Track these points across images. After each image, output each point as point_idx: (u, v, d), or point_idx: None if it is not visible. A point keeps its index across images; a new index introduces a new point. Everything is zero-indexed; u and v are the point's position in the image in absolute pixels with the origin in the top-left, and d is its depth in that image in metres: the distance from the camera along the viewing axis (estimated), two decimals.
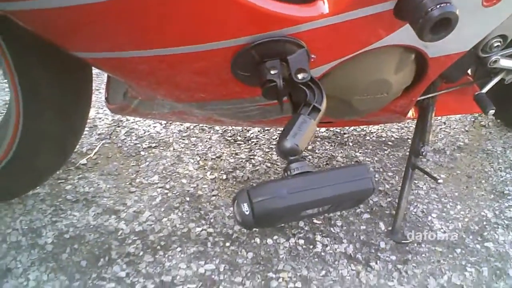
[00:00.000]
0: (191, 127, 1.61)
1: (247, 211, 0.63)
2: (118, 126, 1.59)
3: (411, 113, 1.17)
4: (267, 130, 1.62)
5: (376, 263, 1.08)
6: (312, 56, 0.74)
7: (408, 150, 1.23)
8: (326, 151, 1.52)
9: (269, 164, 1.43)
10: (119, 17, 0.64)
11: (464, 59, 0.90)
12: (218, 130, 1.60)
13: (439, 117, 1.78)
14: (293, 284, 1.02)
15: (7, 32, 0.82)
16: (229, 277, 1.02)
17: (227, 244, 1.11)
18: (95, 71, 1.02)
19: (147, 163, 1.40)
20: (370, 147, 1.57)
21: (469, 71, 1.20)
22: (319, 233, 1.16)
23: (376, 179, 1.39)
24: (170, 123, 1.62)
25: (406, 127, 1.71)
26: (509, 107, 1.56)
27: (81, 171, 1.34)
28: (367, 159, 1.50)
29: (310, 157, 1.48)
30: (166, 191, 1.28)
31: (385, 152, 1.54)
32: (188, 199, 1.25)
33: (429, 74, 0.90)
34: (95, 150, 1.44)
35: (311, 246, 1.12)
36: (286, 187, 0.65)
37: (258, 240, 1.12)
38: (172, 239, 1.11)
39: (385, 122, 1.56)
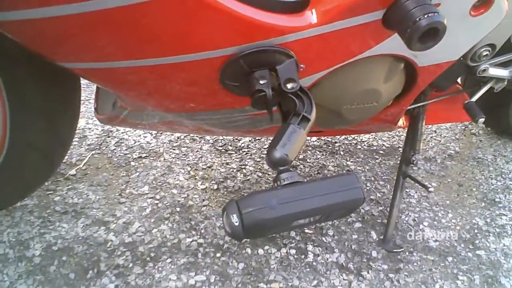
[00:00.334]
0: (182, 137, 1.60)
1: (236, 222, 0.62)
2: (108, 137, 1.58)
3: (401, 121, 1.17)
4: (258, 139, 1.62)
5: (368, 272, 1.08)
6: (301, 65, 0.74)
7: (399, 158, 1.24)
8: (317, 160, 1.52)
9: (260, 174, 1.42)
10: (106, 27, 0.64)
11: (453, 68, 0.90)
12: (209, 140, 1.59)
13: (430, 126, 1.79)
14: None
15: None
16: None
17: (218, 254, 1.10)
18: (84, 81, 1.01)
19: (137, 173, 1.39)
20: (362, 156, 1.57)
21: (458, 80, 1.21)
22: (311, 242, 1.15)
23: (368, 188, 1.39)
24: (161, 133, 1.61)
25: (397, 135, 1.71)
26: (499, 115, 1.57)
27: (70, 182, 1.32)
28: (358, 168, 1.50)
29: (301, 166, 1.48)
30: (156, 201, 1.27)
31: (377, 161, 1.55)
32: (178, 209, 1.24)
33: (418, 83, 0.91)
34: (84, 161, 1.43)
35: (303, 256, 1.11)
36: (275, 198, 0.64)
37: (249, 250, 1.11)
38: (162, 250, 1.10)
39: (376, 131, 1.57)
